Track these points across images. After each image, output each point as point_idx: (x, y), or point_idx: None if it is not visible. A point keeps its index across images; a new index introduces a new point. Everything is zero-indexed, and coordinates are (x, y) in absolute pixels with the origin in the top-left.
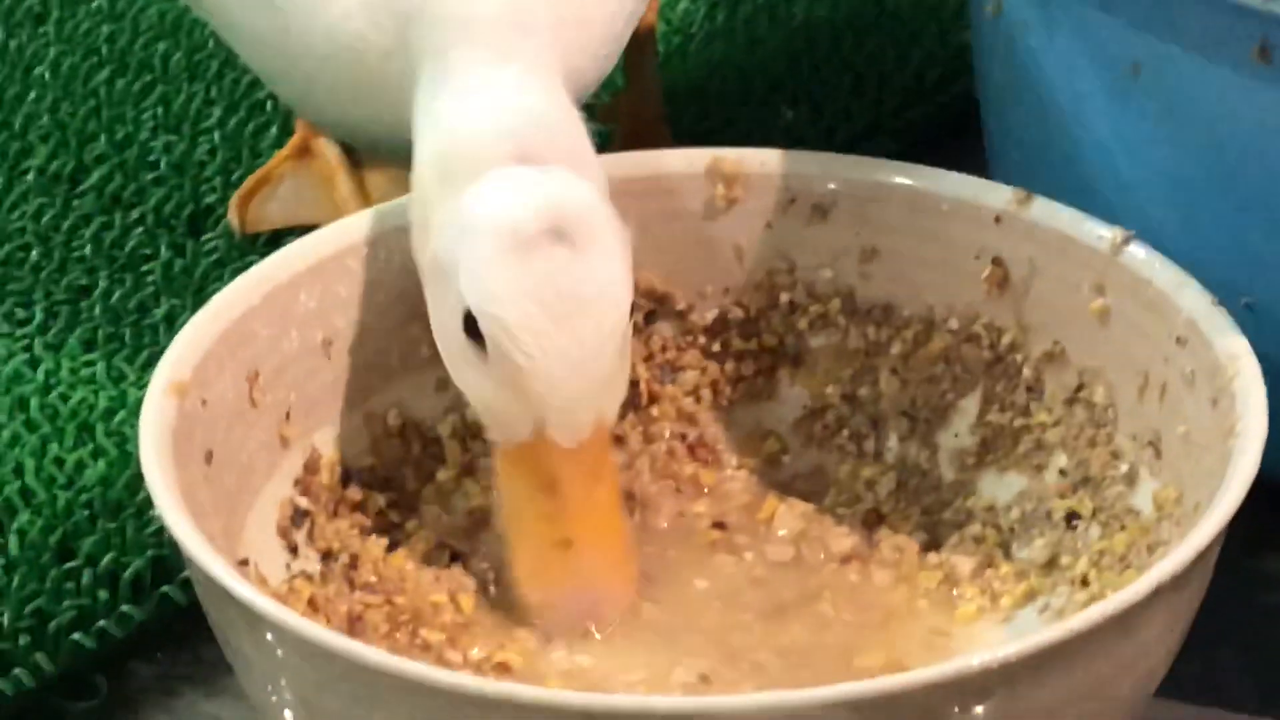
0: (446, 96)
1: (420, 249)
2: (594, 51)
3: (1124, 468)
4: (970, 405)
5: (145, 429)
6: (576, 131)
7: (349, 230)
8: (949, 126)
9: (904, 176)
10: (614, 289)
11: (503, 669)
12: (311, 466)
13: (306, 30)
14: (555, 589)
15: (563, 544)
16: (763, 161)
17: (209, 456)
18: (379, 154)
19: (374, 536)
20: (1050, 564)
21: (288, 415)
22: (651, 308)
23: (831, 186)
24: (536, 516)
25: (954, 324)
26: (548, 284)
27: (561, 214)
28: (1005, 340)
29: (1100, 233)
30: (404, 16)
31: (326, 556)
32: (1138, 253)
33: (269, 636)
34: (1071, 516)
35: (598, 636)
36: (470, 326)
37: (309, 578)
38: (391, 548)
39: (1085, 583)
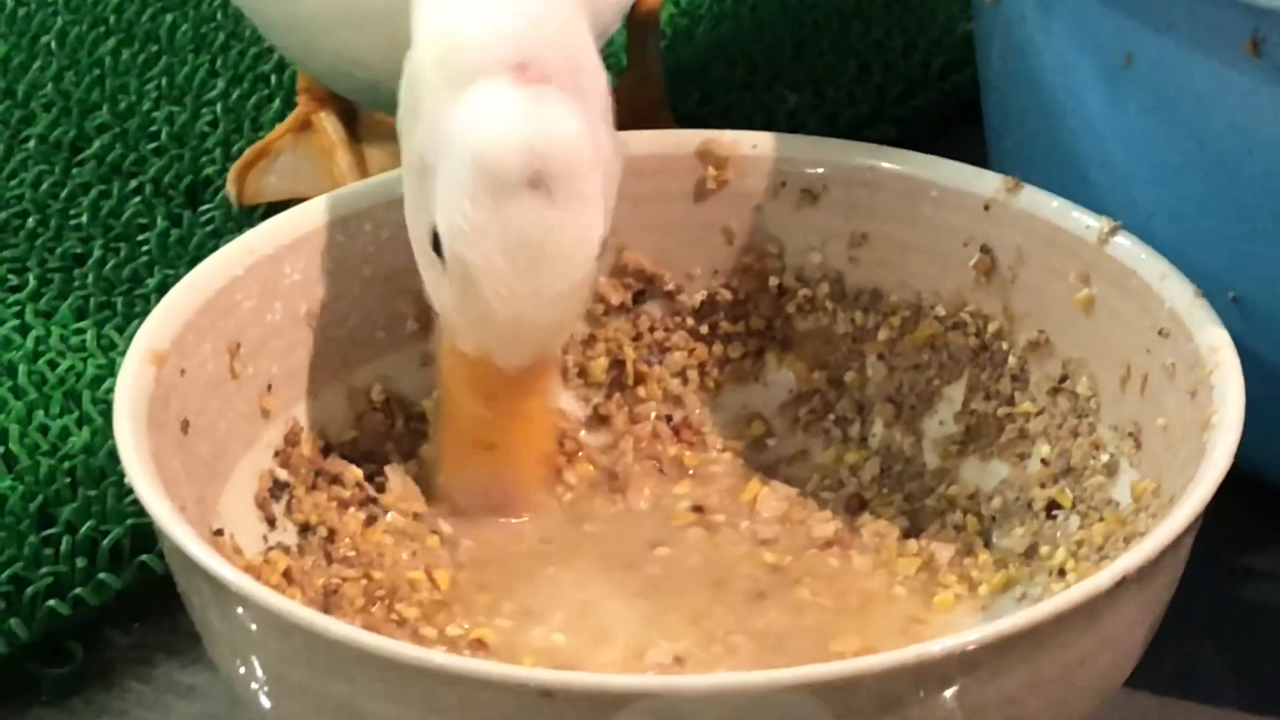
0: None
1: (406, 131)
2: None
3: (1105, 458)
4: (955, 393)
5: (120, 395)
6: (583, 44)
7: (336, 203)
8: (953, 114)
9: (894, 162)
10: (583, 244)
11: (478, 645)
12: (292, 439)
13: None
14: (472, 482)
15: (487, 446)
16: (754, 144)
17: (185, 426)
18: (381, 106)
19: (352, 510)
20: (1029, 553)
21: (269, 387)
22: (640, 288)
23: (822, 171)
24: (470, 418)
25: (941, 311)
26: (518, 235)
27: (543, 158)
28: (991, 328)
29: (1087, 222)
30: None
31: (305, 529)
32: (1123, 243)
33: (235, 608)
34: (1052, 506)
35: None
36: (436, 242)
37: (286, 550)
38: (370, 522)
39: (1063, 573)
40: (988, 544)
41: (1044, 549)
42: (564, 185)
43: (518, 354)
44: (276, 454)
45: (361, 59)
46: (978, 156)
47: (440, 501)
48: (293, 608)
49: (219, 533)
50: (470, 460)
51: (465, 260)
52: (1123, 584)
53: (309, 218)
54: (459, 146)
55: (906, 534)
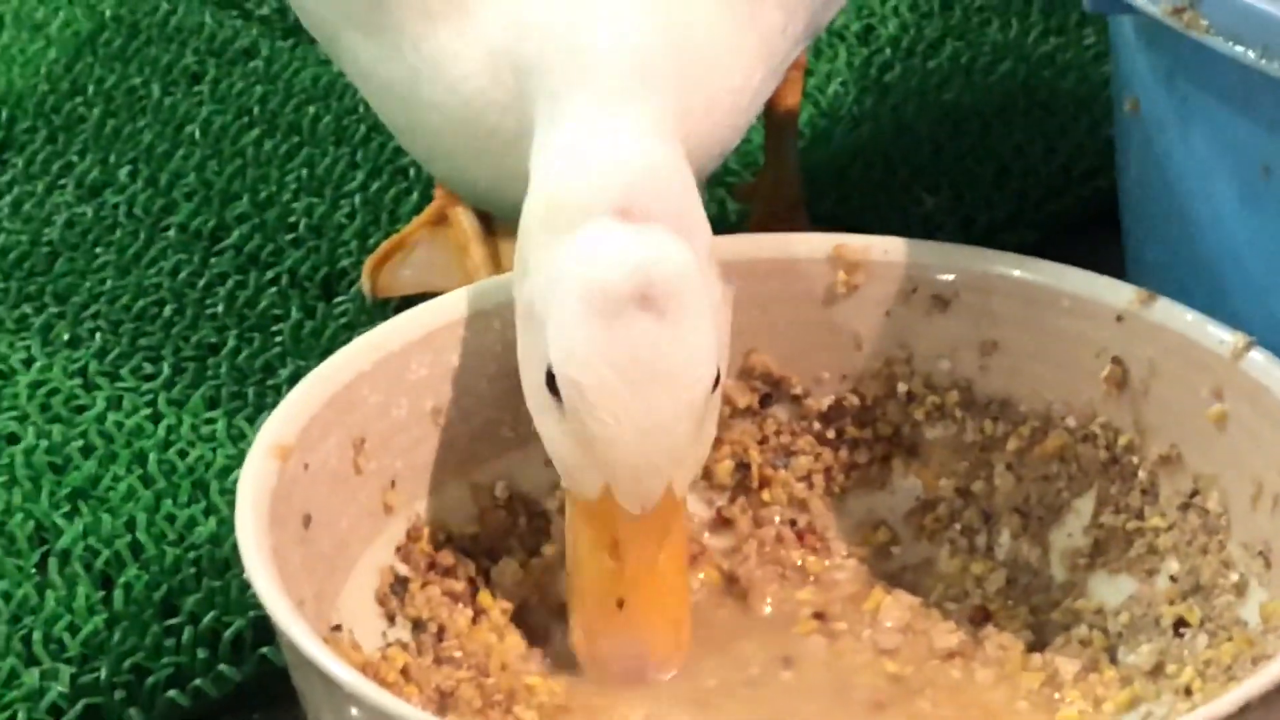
0: (560, 139)
1: (518, 286)
2: (716, 120)
3: (1234, 577)
4: (1084, 505)
5: (243, 489)
6: (686, 188)
7: (464, 301)
8: (1092, 219)
9: (1025, 271)
10: (696, 363)
11: None
12: (414, 535)
13: (433, 85)
14: (607, 644)
15: (619, 603)
16: (886, 250)
17: (307, 520)
18: (505, 216)
19: (461, 606)
20: (1156, 671)
21: (393, 483)
22: (768, 391)
23: (952, 278)
24: (597, 572)
25: (1071, 422)
26: (629, 352)
27: (651, 280)
28: (1122, 441)
29: (1222, 337)
30: (524, 68)
31: (417, 625)
32: (1258, 359)
33: (349, 707)
34: (1179, 624)
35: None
36: (551, 381)
37: (404, 646)
38: (476, 619)
39: (1189, 692)
40: (1113, 660)
41: (1171, 667)
42: (674, 305)
43: (640, 488)
44: (398, 550)
45: (477, 182)
46: (1118, 263)
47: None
48: (404, 709)
49: (337, 628)
50: (603, 623)
51: (579, 384)
52: (1247, 709)
53: (437, 314)
54: (567, 278)
55: (1031, 647)
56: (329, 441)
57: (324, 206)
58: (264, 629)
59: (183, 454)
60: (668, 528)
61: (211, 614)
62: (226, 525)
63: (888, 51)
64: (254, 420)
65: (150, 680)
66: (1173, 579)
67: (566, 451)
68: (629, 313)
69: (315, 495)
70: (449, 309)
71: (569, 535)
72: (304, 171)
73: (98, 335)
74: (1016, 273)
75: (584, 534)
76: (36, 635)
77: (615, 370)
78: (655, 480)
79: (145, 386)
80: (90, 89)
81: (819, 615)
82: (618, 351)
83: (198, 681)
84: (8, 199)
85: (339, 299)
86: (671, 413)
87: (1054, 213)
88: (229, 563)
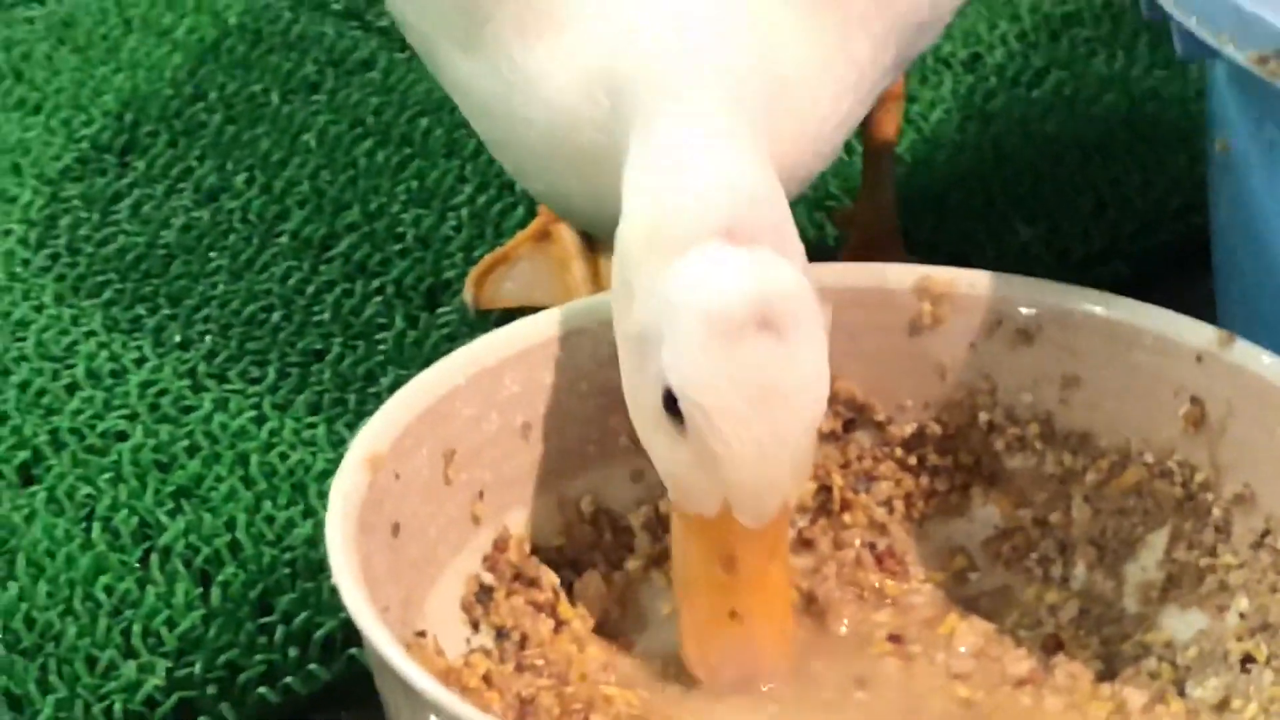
0: (657, 161)
1: (621, 309)
2: (802, 147)
3: None
4: (1159, 540)
5: (335, 497)
6: (782, 209)
7: (558, 319)
8: (1187, 255)
9: (1108, 308)
10: (815, 381)
11: None
12: (500, 545)
13: (527, 101)
14: (720, 654)
15: (733, 615)
16: (971, 283)
17: (396, 529)
18: (598, 232)
19: (543, 616)
20: (1222, 705)
21: (481, 494)
22: (852, 416)
23: (1036, 312)
24: (710, 585)
25: (1149, 458)
26: (752, 375)
27: (769, 302)
28: (1198, 479)
29: None
30: (618, 87)
31: (500, 633)
32: None
33: (428, 715)
34: (1247, 660)
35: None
36: (669, 403)
37: (487, 653)
38: (558, 629)
39: None
40: (1181, 693)
41: (1236, 702)
42: (792, 325)
43: (760, 505)
44: (484, 559)
45: (570, 197)
46: (1209, 300)
47: (693, 672)
48: (480, 719)
49: (422, 634)
50: (716, 633)
51: (703, 407)
52: None
53: (532, 332)
54: (685, 302)
55: (1100, 677)
56: (421, 452)
57: (432, 218)
58: (354, 630)
59: (284, 457)
60: (779, 539)
61: (304, 614)
62: (323, 528)
63: (992, 80)
64: (354, 426)
65: (243, 677)
66: (1242, 616)
67: (683, 472)
68: (750, 335)
69: (405, 504)
70: (544, 327)
71: (678, 551)
72: (414, 183)
73: (208, 338)
74: (1099, 309)
75: (696, 549)
76: (136, 628)
77: (739, 393)
78: (776, 497)
79: (251, 390)
80: (212, 95)
81: (894, 638)
82: (741, 374)
83: (288, 679)
84: (128, 201)
85: (442, 310)
86: (793, 432)
87: (1148, 248)
88: (323, 565)
